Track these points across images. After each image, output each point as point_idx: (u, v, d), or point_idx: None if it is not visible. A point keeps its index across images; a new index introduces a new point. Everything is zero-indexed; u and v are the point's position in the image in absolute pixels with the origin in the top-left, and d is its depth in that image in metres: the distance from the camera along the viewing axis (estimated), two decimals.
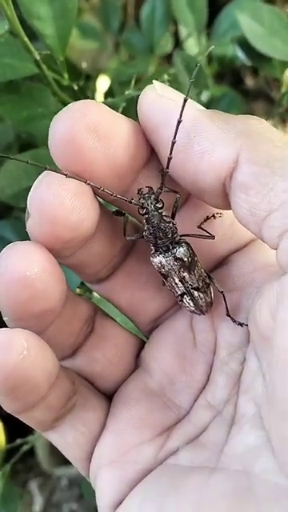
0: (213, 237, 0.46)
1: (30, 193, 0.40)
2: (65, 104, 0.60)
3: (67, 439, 0.47)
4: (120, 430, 0.46)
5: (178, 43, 0.97)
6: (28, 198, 0.40)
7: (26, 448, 0.77)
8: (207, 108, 0.73)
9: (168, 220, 0.44)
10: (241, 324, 0.46)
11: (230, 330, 0.46)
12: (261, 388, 0.41)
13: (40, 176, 0.40)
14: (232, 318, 0.46)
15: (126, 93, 0.59)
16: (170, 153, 0.40)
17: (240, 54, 0.68)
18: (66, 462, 0.57)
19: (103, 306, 0.52)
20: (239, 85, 1.39)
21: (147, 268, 0.47)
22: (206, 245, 0.46)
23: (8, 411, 0.43)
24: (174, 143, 0.40)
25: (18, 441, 0.78)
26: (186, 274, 0.46)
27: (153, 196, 0.43)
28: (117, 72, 0.83)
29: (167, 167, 0.41)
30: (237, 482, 0.38)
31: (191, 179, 0.41)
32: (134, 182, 0.44)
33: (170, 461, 0.44)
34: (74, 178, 0.39)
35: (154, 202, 0.43)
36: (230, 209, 0.40)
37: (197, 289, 0.46)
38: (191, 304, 0.47)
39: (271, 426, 0.38)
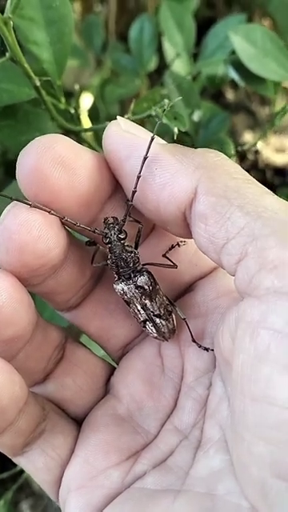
0: (175, 266, 0.48)
1: None
2: (62, 128, 0.60)
3: (37, 464, 0.47)
4: (88, 455, 0.47)
5: (161, 60, 0.98)
6: None
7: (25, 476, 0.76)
8: (198, 128, 0.74)
9: (130, 250, 0.46)
10: (206, 349, 0.47)
11: (196, 355, 0.48)
12: (226, 412, 0.42)
13: (8, 206, 0.42)
14: (197, 344, 0.47)
15: (126, 116, 0.59)
16: (135, 187, 0.42)
17: (233, 75, 0.69)
18: None
19: None
20: (220, 98, 1.41)
21: (115, 296, 0.49)
22: (172, 272, 0.48)
23: None
24: (139, 177, 0.42)
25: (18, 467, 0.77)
26: (147, 302, 0.47)
27: (116, 227, 0.45)
28: (107, 91, 0.83)
29: (131, 200, 0.43)
30: (201, 504, 0.39)
31: (154, 210, 0.42)
32: (101, 212, 0.45)
33: (137, 484, 0.45)
34: (38, 208, 0.41)
35: (116, 233, 0.45)
36: (191, 238, 0.42)
37: (158, 316, 0.48)
38: (154, 330, 0.48)
39: (233, 449, 0.39)
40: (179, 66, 0.83)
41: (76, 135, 0.63)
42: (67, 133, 0.62)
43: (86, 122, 0.93)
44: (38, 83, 0.55)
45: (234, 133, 1.39)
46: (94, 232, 0.45)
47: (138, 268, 0.47)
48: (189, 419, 0.46)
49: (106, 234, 0.45)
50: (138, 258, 0.47)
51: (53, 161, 0.41)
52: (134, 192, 0.43)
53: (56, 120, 0.60)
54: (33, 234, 0.41)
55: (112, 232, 0.45)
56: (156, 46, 0.84)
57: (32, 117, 0.62)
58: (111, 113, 1.04)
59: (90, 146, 0.64)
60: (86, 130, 0.63)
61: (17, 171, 0.42)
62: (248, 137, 1.43)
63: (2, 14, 0.49)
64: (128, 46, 1.11)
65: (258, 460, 0.35)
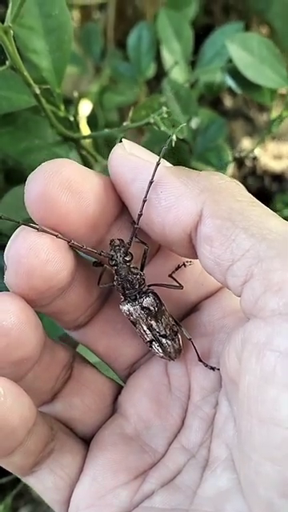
0: (181, 287, 0.49)
1: (6, 246, 0.42)
2: (62, 135, 0.61)
3: (46, 484, 0.48)
4: (97, 474, 0.47)
5: (160, 68, 0.99)
6: (5, 252, 0.42)
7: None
8: (196, 135, 0.75)
9: (136, 272, 0.47)
10: (212, 368, 0.47)
11: (202, 374, 0.48)
12: (232, 431, 0.42)
13: (16, 230, 0.42)
14: (204, 363, 0.48)
15: (124, 124, 0.60)
16: (141, 210, 0.43)
17: (230, 83, 0.69)
18: None
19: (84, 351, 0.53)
20: (218, 105, 1.42)
21: (122, 316, 0.49)
22: (178, 292, 0.49)
23: None
24: (144, 201, 0.42)
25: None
26: (153, 322, 0.48)
27: (122, 249, 0.45)
28: (106, 99, 0.84)
29: (137, 223, 0.44)
30: None
31: (160, 232, 0.43)
32: (108, 233, 0.46)
33: (145, 504, 0.45)
34: (46, 232, 0.42)
35: (122, 255, 0.46)
36: (196, 258, 0.43)
37: (164, 336, 0.48)
38: (160, 350, 0.49)
39: (240, 469, 0.40)
40: (177, 73, 0.84)
41: (75, 142, 0.63)
42: (66, 140, 0.63)
43: (85, 129, 0.94)
44: (37, 91, 0.55)
45: (232, 139, 1.40)
46: (100, 254, 0.45)
47: (144, 289, 0.47)
48: (196, 438, 0.46)
49: (112, 256, 0.46)
50: (144, 279, 0.47)
51: (60, 185, 0.41)
52: (139, 215, 0.43)
53: (56, 127, 0.61)
54: (41, 257, 0.41)
55: (118, 254, 0.46)
56: (154, 53, 0.85)
57: (31, 124, 0.62)
58: (110, 120, 1.05)
59: (89, 153, 0.65)
60: (85, 138, 0.64)
61: (25, 196, 0.42)
62: (246, 143, 1.43)
63: (3, 23, 0.50)
64: (126, 54, 1.12)
65: (265, 480, 0.35)
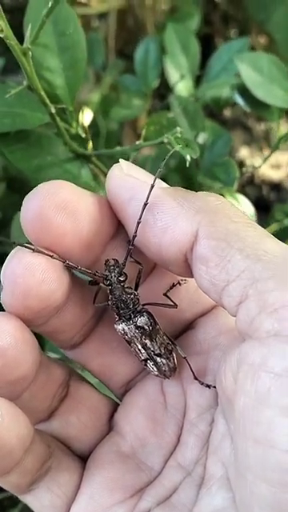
0: (175, 306, 0.49)
1: (3, 267, 0.43)
2: (74, 152, 0.61)
3: (43, 502, 0.48)
4: (93, 492, 0.47)
5: (162, 78, 0.99)
6: (1, 272, 0.43)
7: None
8: (203, 150, 0.76)
9: (130, 292, 0.47)
10: (208, 386, 0.48)
11: (198, 392, 0.48)
12: (229, 450, 0.43)
13: (12, 251, 0.43)
14: (200, 381, 0.48)
15: (137, 143, 0.60)
16: (135, 231, 0.44)
17: (239, 100, 0.70)
18: None
19: None
20: (217, 115, 1.43)
21: (118, 334, 0.49)
22: (173, 310, 0.49)
23: None
24: (139, 223, 0.43)
25: None
26: (147, 341, 0.48)
27: (117, 269, 0.46)
28: (112, 113, 0.84)
29: (132, 244, 0.45)
30: None
31: (156, 252, 0.44)
32: (103, 253, 0.47)
33: None
34: (41, 253, 0.42)
35: (117, 275, 0.46)
36: (192, 277, 0.43)
37: (159, 355, 0.49)
38: (155, 369, 0.49)
39: (235, 488, 0.40)
40: (182, 87, 0.84)
41: (87, 159, 0.64)
42: (78, 156, 0.63)
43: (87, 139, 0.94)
44: (53, 110, 0.55)
45: (230, 148, 1.41)
46: (95, 274, 0.46)
47: (138, 309, 0.48)
48: (192, 455, 0.47)
49: (107, 276, 0.46)
50: (138, 299, 0.48)
51: (56, 206, 0.42)
52: (134, 236, 0.44)
53: (69, 145, 0.61)
54: (37, 277, 0.42)
55: (112, 274, 0.46)
56: (160, 67, 0.86)
57: (44, 141, 0.62)
58: (110, 129, 1.05)
59: (100, 170, 0.65)
60: (98, 155, 0.64)
61: (21, 215, 0.43)
62: (244, 152, 1.44)
63: (19, 39, 0.50)
64: (128, 64, 1.12)
65: (260, 501, 0.35)
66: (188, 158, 0.55)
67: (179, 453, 0.48)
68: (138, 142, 0.60)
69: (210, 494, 0.42)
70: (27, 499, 0.48)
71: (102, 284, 0.48)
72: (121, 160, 0.46)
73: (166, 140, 0.56)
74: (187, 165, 0.54)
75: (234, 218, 0.42)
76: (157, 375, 0.49)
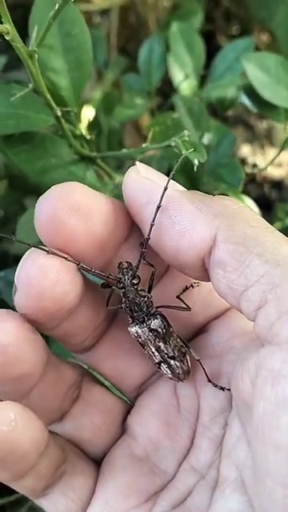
0: (189, 309, 0.49)
1: (17, 268, 0.43)
2: (79, 155, 0.61)
3: (58, 506, 0.48)
4: (108, 498, 0.47)
5: (165, 77, 0.99)
6: (16, 274, 0.43)
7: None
8: (208, 150, 0.75)
9: (143, 294, 0.47)
10: (222, 388, 0.47)
11: (212, 395, 0.48)
12: (244, 453, 0.42)
13: (26, 252, 0.43)
14: (213, 383, 0.48)
15: (144, 145, 0.59)
16: (148, 234, 0.44)
17: (245, 101, 0.69)
18: None
19: None
20: (219, 113, 1.42)
21: (130, 336, 0.49)
22: (186, 313, 0.49)
23: None
24: (152, 225, 0.43)
25: None
26: (161, 344, 0.48)
27: (130, 272, 0.46)
28: (116, 113, 0.84)
29: (145, 247, 0.45)
30: None
31: (173, 255, 0.43)
32: (116, 256, 0.46)
33: None
34: (55, 255, 0.42)
35: (130, 278, 0.46)
36: (209, 281, 0.43)
37: (173, 358, 0.48)
38: (168, 372, 0.49)
39: (254, 493, 0.39)
40: (186, 87, 0.83)
41: (91, 161, 0.63)
42: (83, 158, 0.63)
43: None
44: (59, 113, 0.55)
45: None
46: (108, 277, 0.46)
47: (152, 311, 0.47)
48: (205, 459, 0.46)
49: (120, 279, 0.46)
50: (152, 301, 0.47)
51: (69, 208, 0.42)
52: (147, 239, 0.44)
53: (73, 147, 0.60)
54: (51, 279, 0.42)
55: (126, 277, 0.46)
56: (164, 67, 0.85)
57: (48, 143, 0.62)
58: (113, 127, 1.05)
59: (105, 172, 0.65)
60: (103, 156, 0.64)
61: (35, 218, 0.43)
62: (246, 150, 1.44)
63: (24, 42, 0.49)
64: (130, 61, 1.12)
65: (279, 506, 0.35)
66: (196, 162, 0.54)
67: (193, 456, 0.48)
68: (144, 145, 0.59)
69: (224, 497, 0.42)
70: (42, 503, 0.48)
71: (114, 287, 0.47)
72: (137, 162, 0.46)
73: (173, 143, 0.56)
74: (195, 169, 0.54)
75: (252, 222, 0.41)
76: (171, 378, 0.49)
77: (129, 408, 0.53)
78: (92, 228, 0.43)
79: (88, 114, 1.06)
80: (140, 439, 0.50)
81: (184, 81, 0.82)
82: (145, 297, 0.47)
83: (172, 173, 0.45)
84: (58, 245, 0.43)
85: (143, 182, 0.44)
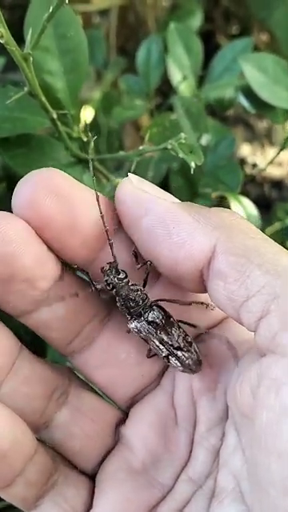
0: (189, 303, 0.48)
1: None
2: (75, 157, 0.60)
3: None
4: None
5: (164, 76, 0.98)
6: None
7: None
8: (206, 152, 0.74)
9: (136, 288, 0.46)
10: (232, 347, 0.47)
11: (209, 405, 0.47)
12: (240, 463, 0.42)
13: None
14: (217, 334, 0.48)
15: (140, 148, 0.59)
16: (112, 253, 0.44)
17: (243, 101, 0.69)
18: None
19: None
20: (218, 113, 1.42)
21: (127, 344, 0.49)
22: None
23: None
24: (107, 230, 0.43)
25: None
26: (164, 336, 0.47)
27: (113, 270, 0.45)
28: (115, 114, 0.84)
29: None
30: None
31: (170, 266, 0.43)
32: (103, 251, 0.45)
33: None
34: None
35: (115, 275, 0.45)
36: (205, 292, 0.43)
37: (179, 348, 0.47)
38: (178, 364, 0.48)
39: (254, 502, 0.39)
40: (185, 87, 0.83)
41: (88, 163, 0.63)
42: (80, 161, 0.62)
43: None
44: (55, 116, 0.54)
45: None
46: (95, 287, 0.46)
47: (148, 304, 0.47)
48: (203, 469, 0.46)
49: (107, 280, 0.45)
50: (146, 294, 0.47)
51: (48, 191, 0.41)
52: (110, 244, 0.44)
53: (70, 149, 0.60)
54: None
55: (111, 277, 0.45)
56: (162, 67, 0.85)
57: (45, 145, 0.61)
58: (112, 127, 1.04)
59: (101, 174, 0.64)
60: (100, 159, 0.63)
61: (12, 202, 0.42)
62: (246, 149, 1.43)
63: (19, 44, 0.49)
64: (129, 61, 1.11)
65: None
66: (193, 165, 0.54)
67: (190, 467, 0.47)
68: (141, 147, 0.59)
69: (222, 507, 0.42)
70: None
71: (105, 289, 0.46)
72: (130, 174, 0.45)
73: (169, 146, 0.55)
74: (192, 172, 0.54)
75: (250, 234, 0.41)
76: (183, 371, 0.48)
77: (120, 416, 0.52)
78: (70, 212, 0.42)
79: (87, 114, 1.06)
80: (137, 451, 0.49)
81: (182, 81, 0.81)
82: (138, 290, 0.46)
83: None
84: (34, 226, 0.42)
85: (138, 193, 0.44)
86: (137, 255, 0.46)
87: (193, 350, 0.48)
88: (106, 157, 0.66)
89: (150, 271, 0.46)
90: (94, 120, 1.01)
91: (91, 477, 0.50)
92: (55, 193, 0.41)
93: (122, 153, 0.61)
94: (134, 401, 0.51)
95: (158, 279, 0.49)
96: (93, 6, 1.22)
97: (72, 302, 0.46)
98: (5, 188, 1.02)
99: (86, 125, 0.67)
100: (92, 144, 0.52)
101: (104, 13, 1.29)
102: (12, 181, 1.00)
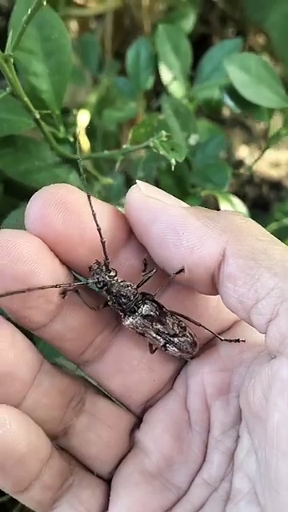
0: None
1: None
2: (61, 157, 0.61)
3: None
4: None
5: (158, 80, 0.99)
6: None
7: None
8: (195, 151, 0.75)
9: (126, 284, 0.47)
10: (237, 340, 0.48)
11: (222, 409, 0.48)
12: (255, 465, 0.42)
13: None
14: (227, 340, 0.48)
15: (124, 147, 0.60)
16: (105, 253, 0.44)
17: (228, 102, 0.70)
18: None
19: None
20: (216, 115, 1.42)
21: (138, 351, 0.50)
22: (193, 327, 0.49)
23: (5, 491, 0.45)
24: (99, 230, 0.43)
25: None
26: (159, 326, 0.48)
27: (103, 268, 0.46)
28: (105, 116, 0.85)
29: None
30: None
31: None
32: (116, 260, 0.47)
33: None
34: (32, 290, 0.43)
35: (106, 273, 0.46)
36: (217, 294, 0.44)
37: (175, 335, 0.48)
38: (176, 350, 0.49)
39: (267, 503, 0.40)
40: (176, 88, 0.84)
41: (75, 163, 0.64)
42: (66, 161, 0.63)
43: (84, 141, 0.94)
44: (37, 116, 0.56)
45: (229, 148, 1.40)
46: (86, 284, 0.46)
47: (139, 298, 0.47)
48: (218, 472, 0.46)
49: (98, 278, 0.46)
50: (135, 289, 0.47)
51: (58, 206, 0.43)
52: (103, 243, 0.44)
53: (55, 149, 0.61)
54: (13, 254, 0.42)
55: (102, 274, 0.46)
56: (153, 68, 0.86)
57: (32, 145, 0.63)
58: (108, 130, 1.05)
59: (89, 173, 0.65)
60: (85, 158, 0.64)
61: (25, 216, 0.43)
62: (243, 151, 1.44)
63: (2, 48, 0.50)
64: (124, 65, 1.12)
65: None
66: (173, 161, 0.55)
67: (205, 470, 0.48)
68: (124, 146, 0.60)
69: (238, 509, 0.43)
70: None
71: (96, 288, 0.47)
72: (138, 181, 0.46)
73: (151, 144, 0.56)
74: (172, 168, 0.54)
75: (259, 236, 0.42)
76: (180, 356, 0.49)
77: (135, 421, 0.52)
78: (80, 225, 0.43)
79: (83, 118, 1.07)
80: (152, 455, 0.49)
81: (172, 82, 0.82)
82: (128, 286, 0.47)
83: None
84: (47, 241, 0.43)
85: (147, 200, 0.44)
86: (146, 264, 0.47)
87: (187, 334, 0.49)
88: (91, 156, 0.67)
89: (159, 280, 0.47)
90: (91, 124, 1.02)
91: (107, 481, 0.51)
92: (65, 208, 0.43)
93: (106, 152, 0.62)
94: (148, 406, 0.52)
95: (167, 287, 0.49)
96: (89, 11, 1.24)
97: (84, 314, 0.47)
98: (2, 191, 1.03)
99: (75, 126, 0.68)
100: (81, 144, 0.53)
101: (101, 17, 1.31)
102: (9, 184, 1.01)
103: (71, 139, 0.63)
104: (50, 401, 0.47)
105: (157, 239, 0.44)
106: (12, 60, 0.50)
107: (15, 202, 1.02)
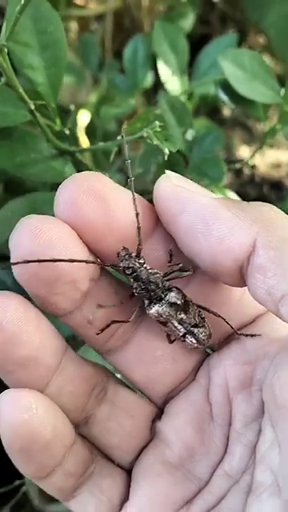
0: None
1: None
2: (58, 150, 0.62)
3: (88, 508, 0.48)
4: (143, 507, 0.48)
5: (157, 77, 1.00)
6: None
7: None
8: (192, 146, 0.76)
9: (154, 271, 0.47)
10: (253, 335, 0.48)
11: (245, 402, 0.48)
12: (277, 458, 0.42)
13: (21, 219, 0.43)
14: (241, 334, 0.49)
15: (118, 138, 0.60)
16: (139, 243, 0.45)
17: (223, 97, 0.70)
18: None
19: None
20: (216, 114, 1.43)
21: (161, 342, 0.50)
22: (215, 321, 0.49)
23: (27, 476, 0.45)
24: (137, 215, 0.44)
25: (17, 482, 0.78)
26: (183, 316, 0.48)
27: (134, 254, 0.45)
28: (103, 112, 0.85)
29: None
30: None
31: (210, 262, 0.43)
32: (143, 249, 0.46)
33: None
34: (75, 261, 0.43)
35: (137, 259, 0.46)
36: (244, 286, 0.44)
37: (196, 325, 0.48)
38: (194, 341, 0.49)
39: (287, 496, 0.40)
40: (173, 85, 0.84)
41: (72, 156, 0.64)
42: (62, 153, 0.64)
43: (84, 140, 0.94)
44: (32, 107, 0.56)
45: (229, 148, 1.41)
46: (112, 267, 0.46)
47: (166, 286, 0.48)
48: (240, 465, 0.46)
49: (128, 264, 0.45)
50: (162, 277, 0.47)
51: (89, 194, 0.43)
52: (138, 228, 0.44)
53: (51, 141, 0.61)
54: (42, 240, 0.42)
55: (132, 260, 0.45)
56: (150, 65, 0.86)
57: (27, 138, 0.63)
58: (108, 129, 1.06)
59: (86, 167, 0.66)
60: (81, 151, 0.65)
61: (54, 204, 0.43)
62: (244, 151, 1.44)
63: None
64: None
65: None
66: (167, 151, 0.55)
67: (226, 462, 0.48)
68: (119, 137, 0.60)
69: (261, 501, 0.42)
70: (72, 506, 0.49)
71: (123, 275, 0.47)
72: (167, 171, 0.46)
73: (145, 134, 0.57)
74: (165, 158, 0.55)
75: None
76: (196, 347, 0.49)
77: (156, 411, 0.52)
78: (109, 213, 0.43)
79: (83, 117, 1.07)
80: (174, 446, 0.49)
81: (170, 79, 0.83)
82: (156, 273, 0.47)
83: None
84: (76, 229, 0.43)
85: (176, 190, 0.44)
86: (172, 255, 0.47)
87: (206, 325, 0.49)
88: (87, 149, 0.68)
89: (180, 274, 0.47)
90: (91, 122, 1.03)
91: (128, 470, 0.51)
92: (95, 195, 0.43)
93: (101, 143, 0.63)
94: (170, 396, 0.52)
95: (189, 281, 0.49)
96: (89, 11, 1.25)
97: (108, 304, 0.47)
98: (2, 190, 1.04)
99: (72, 120, 0.68)
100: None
101: (101, 18, 1.31)
102: (10, 183, 1.02)
103: (67, 132, 0.63)
104: (75, 388, 0.47)
105: (185, 229, 0.43)
106: (6, 50, 0.50)
107: None
